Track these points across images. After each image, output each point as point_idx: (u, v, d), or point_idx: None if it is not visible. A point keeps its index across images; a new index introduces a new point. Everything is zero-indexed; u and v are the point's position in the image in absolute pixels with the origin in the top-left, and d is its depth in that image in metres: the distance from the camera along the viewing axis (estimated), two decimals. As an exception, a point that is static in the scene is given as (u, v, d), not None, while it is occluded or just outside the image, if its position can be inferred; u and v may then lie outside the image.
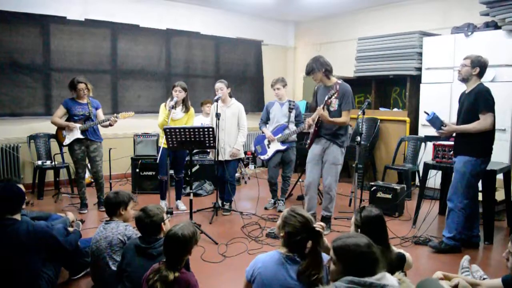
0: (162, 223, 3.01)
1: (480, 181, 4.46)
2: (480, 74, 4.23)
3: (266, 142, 5.98)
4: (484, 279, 3.08)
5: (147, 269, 2.65)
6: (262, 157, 6.05)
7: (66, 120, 5.55)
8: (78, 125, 5.47)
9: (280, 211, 5.62)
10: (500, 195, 5.19)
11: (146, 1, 7.92)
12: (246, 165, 8.84)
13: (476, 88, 4.20)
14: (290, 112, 5.89)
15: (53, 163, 6.27)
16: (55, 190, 6.48)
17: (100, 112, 5.74)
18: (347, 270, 2.00)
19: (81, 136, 5.50)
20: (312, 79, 4.98)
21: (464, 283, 2.70)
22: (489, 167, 4.39)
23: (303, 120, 5.95)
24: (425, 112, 4.42)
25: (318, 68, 4.74)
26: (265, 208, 5.94)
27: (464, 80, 4.30)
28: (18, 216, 3.06)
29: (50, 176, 6.67)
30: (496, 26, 6.06)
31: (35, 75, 6.88)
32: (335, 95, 4.56)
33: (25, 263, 2.99)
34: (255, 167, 9.00)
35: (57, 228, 3.32)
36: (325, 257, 2.40)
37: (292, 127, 5.87)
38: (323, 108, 4.57)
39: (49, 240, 3.13)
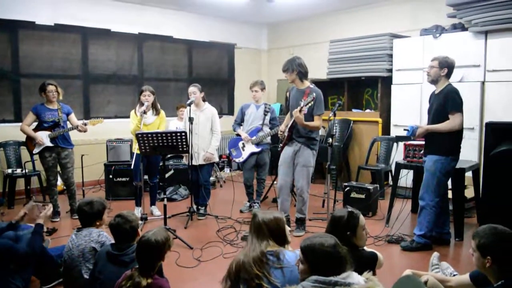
0: (139, 229, 2.99)
1: (450, 179, 4.56)
2: (448, 75, 4.34)
3: (240, 144, 5.99)
4: (454, 275, 3.15)
5: (119, 276, 2.63)
6: (237, 159, 6.06)
7: (36, 126, 5.46)
8: (47, 133, 5.38)
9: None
10: (469, 192, 5.31)
11: (117, 5, 7.84)
12: (222, 169, 8.83)
13: (445, 89, 4.30)
14: (265, 115, 5.92)
15: (24, 171, 6.14)
16: (26, 199, 6.35)
17: (73, 117, 5.66)
18: (313, 269, 2.04)
19: (50, 144, 5.40)
20: (286, 80, 5.02)
21: (433, 280, 2.76)
22: (458, 166, 4.49)
23: (278, 123, 5.99)
24: (405, 129, 4.46)
25: (292, 68, 4.79)
26: (241, 211, 5.94)
27: (434, 81, 4.40)
28: None
29: (21, 184, 6.52)
30: (463, 28, 6.20)
31: (4, 82, 6.75)
32: (312, 103, 4.60)
33: None
34: (230, 171, 8.99)
35: (26, 239, 3.26)
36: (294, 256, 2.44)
37: (266, 129, 5.90)
38: (299, 111, 4.60)
39: (13, 254, 3.05)
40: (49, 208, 3.70)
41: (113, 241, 3.03)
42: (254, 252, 2.48)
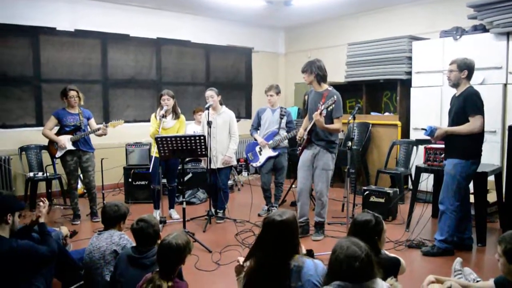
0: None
1: (472, 183, 4.49)
2: (469, 76, 4.27)
3: (257, 149, 5.98)
4: (477, 281, 3.09)
5: (140, 279, 2.64)
6: (254, 164, 6.06)
7: (58, 131, 5.55)
8: (69, 136, 5.46)
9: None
10: (492, 196, 5.22)
11: (136, 10, 7.93)
12: (239, 172, 8.84)
13: (465, 91, 4.24)
14: (281, 118, 5.90)
15: (45, 174, 6.23)
16: (48, 202, 6.42)
17: (92, 122, 5.75)
18: (329, 269, 2.02)
19: (72, 148, 5.49)
20: (304, 83, 5.02)
21: (456, 286, 2.71)
22: (480, 169, 4.42)
23: (295, 126, 5.98)
24: (423, 129, 4.43)
25: (311, 70, 4.79)
26: (259, 215, 5.93)
27: (455, 85, 4.33)
28: (4, 232, 3.01)
29: (42, 187, 6.61)
30: (484, 29, 6.10)
31: (25, 87, 6.88)
32: (333, 105, 4.58)
33: (12, 279, 2.95)
34: (248, 174, 8.99)
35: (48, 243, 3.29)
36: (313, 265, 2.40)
37: (283, 133, 5.88)
38: (320, 114, 4.58)
39: (34, 255, 3.08)
40: (45, 205, 3.66)
41: (133, 244, 3.05)
42: (270, 272, 2.33)
